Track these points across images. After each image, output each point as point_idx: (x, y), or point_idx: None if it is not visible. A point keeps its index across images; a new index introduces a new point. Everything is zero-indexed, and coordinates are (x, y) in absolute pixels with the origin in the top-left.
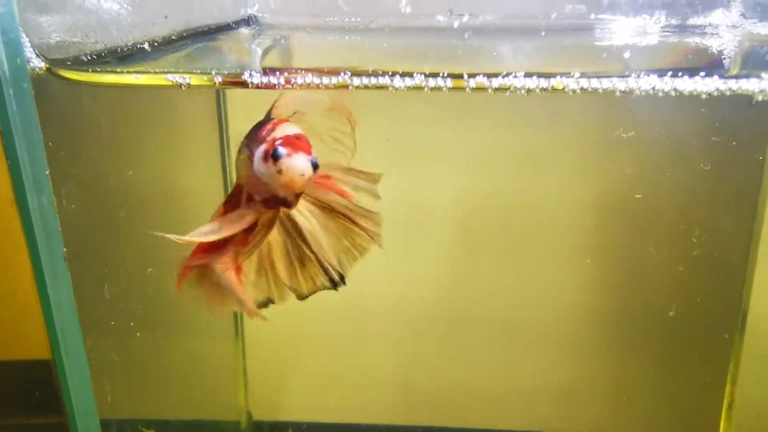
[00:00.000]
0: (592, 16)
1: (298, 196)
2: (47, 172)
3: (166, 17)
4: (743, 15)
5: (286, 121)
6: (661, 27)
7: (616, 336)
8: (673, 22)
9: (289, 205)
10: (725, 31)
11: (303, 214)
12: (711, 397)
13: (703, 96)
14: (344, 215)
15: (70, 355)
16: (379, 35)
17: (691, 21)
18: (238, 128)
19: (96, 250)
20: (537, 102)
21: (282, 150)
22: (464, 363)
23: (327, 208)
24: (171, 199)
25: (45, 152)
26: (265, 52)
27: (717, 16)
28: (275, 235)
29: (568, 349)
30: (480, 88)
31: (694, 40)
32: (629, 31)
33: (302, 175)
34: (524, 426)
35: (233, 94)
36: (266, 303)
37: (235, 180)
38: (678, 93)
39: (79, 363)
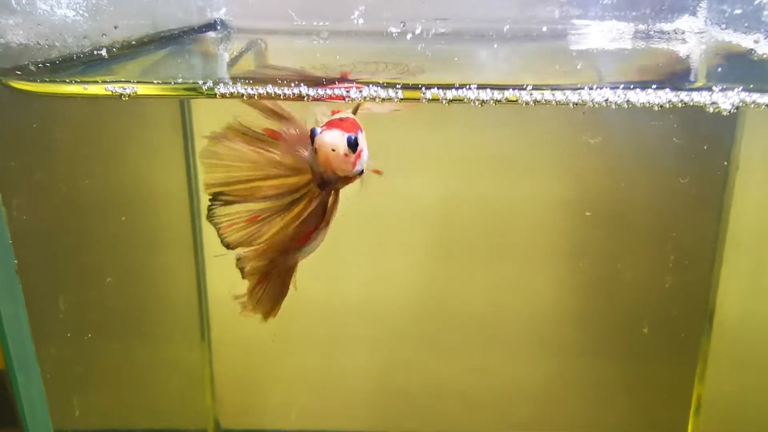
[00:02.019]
0: (558, 19)
1: (344, 177)
2: None
3: (116, 27)
4: (708, 21)
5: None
6: (628, 32)
7: (586, 337)
8: (641, 27)
9: (332, 184)
10: (691, 37)
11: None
12: (679, 397)
13: (656, 108)
14: None
15: (23, 366)
16: (343, 39)
17: (658, 27)
18: (204, 134)
19: (50, 259)
20: (512, 105)
21: (317, 129)
22: (440, 367)
23: None
24: (131, 207)
25: None
26: (233, 60)
27: (683, 22)
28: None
29: (539, 350)
30: (434, 99)
31: (660, 46)
32: (595, 36)
33: (333, 149)
34: (498, 428)
35: (198, 100)
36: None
37: None
38: (631, 105)
39: (33, 374)
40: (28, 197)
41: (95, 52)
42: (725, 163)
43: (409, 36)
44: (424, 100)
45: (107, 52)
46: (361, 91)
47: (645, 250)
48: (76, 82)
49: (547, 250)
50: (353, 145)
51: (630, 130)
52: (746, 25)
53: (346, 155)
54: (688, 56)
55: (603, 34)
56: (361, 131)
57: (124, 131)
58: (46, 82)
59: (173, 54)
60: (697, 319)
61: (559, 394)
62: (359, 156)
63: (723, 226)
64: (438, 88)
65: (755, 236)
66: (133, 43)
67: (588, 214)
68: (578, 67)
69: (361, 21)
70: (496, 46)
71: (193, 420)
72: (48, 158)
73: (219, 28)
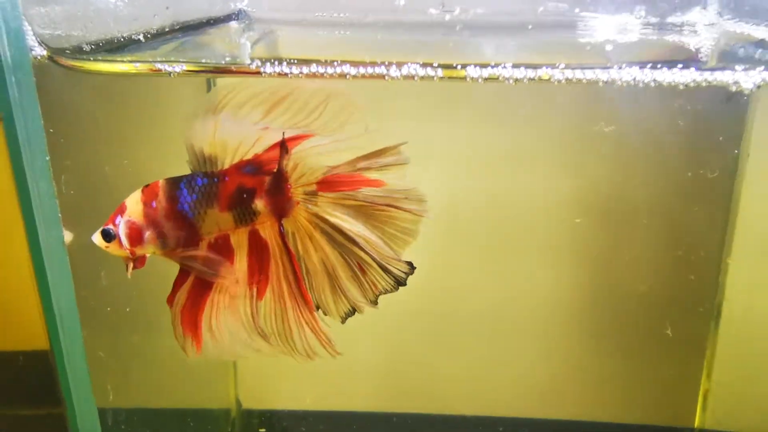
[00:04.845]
0: (576, 11)
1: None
2: (47, 158)
3: (167, 8)
4: (719, 14)
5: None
6: (641, 25)
7: (592, 332)
8: (652, 20)
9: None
10: (702, 30)
11: (346, 220)
12: (686, 392)
13: (681, 87)
14: (383, 205)
15: (68, 345)
16: (369, 30)
17: (670, 19)
18: None
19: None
20: (520, 99)
21: None
22: (448, 354)
23: (364, 206)
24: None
25: (46, 139)
26: (254, 46)
27: (694, 15)
28: (332, 251)
29: (546, 343)
30: (471, 78)
31: (672, 38)
32: (610, 28)
33: (99, 246)
34: (509, 413)
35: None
36: (352, 313)
37: None
38: (657, 84)
39: (78, 352)
40: (75, 174)
41: (133, 37)
42: (735, 151)
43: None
44: (468, 79)
45: (143, 36)
46: (400, 70)
47: (652, 243)
48: (128, 61)
49: (553, 244)
50: (108, 235)
51: (638, 120)
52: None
53: (107, 247)
54: (702, 44)
55: (618, 27)
56: (122, 216)
57: (159, 116)
58: (98, 60)
59: (203, 41)
60: (706, 309)
61: (564, 387)
62: (129, 238)
63: (732, 217)
64: (474, 66)
65: (766, 229)
66: (166, 29)
67: (578, 220)
68: (608, 48)
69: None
70: (529, 30)
71: (218, 401)
72: (93, 137)
73: (242, 18)
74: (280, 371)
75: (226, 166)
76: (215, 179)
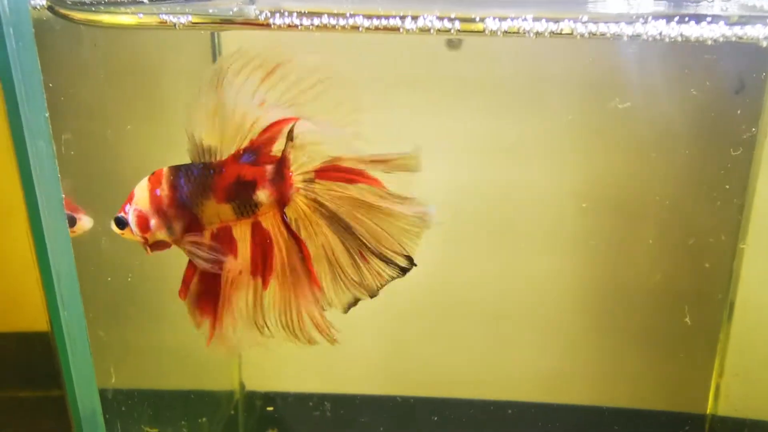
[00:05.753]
0: None
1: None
2: (47, 115)
3: None
4: None
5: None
6: None
7: (607, 315)
8: None
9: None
10: (718, 2)
11: (344, 209)
12: (699, 374)
13: (709, 42)
14: (377, 204)
15: (69, 325)
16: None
17: None
18: None
19: (94, 202)
20: (522, 90)
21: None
22: (456, 337)
23: (362, 200)
24: (172, 144)
25: (45, 94)
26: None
27: None
28: (332, 236)
29: (562, 328)
30: (490, 32)
31: (687, 11)
32: (623, 2)
33: (115, 233)
34: (519, 397)
35: (228, 41)
36: (355, 303)
37: None
38: (684, 39)
39: (79, 333)
40: (75, 134)
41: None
42: (753, 129)
43: None
44: (487, 32)
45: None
46: (415, 22)
47: (665, 231)
48: (131, 12)
49: (564, 231)
50: (121, 223)
51: (649, 100)
52: None
53: (122, 234)
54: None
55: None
56: (130, 204)
57: (163, 73)
58: (100, 12)
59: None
60: (718, 302)
61: (576, 372)
62: (137, 226)
63: (747, 207)
64: (494, 19)
65: None
66: None
67: (584, 205)
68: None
69: None
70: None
71: (221, 382)
72: (94, 93)
73: None
74: (285, 353)
75: (224, 156)
76: (211, 170)
